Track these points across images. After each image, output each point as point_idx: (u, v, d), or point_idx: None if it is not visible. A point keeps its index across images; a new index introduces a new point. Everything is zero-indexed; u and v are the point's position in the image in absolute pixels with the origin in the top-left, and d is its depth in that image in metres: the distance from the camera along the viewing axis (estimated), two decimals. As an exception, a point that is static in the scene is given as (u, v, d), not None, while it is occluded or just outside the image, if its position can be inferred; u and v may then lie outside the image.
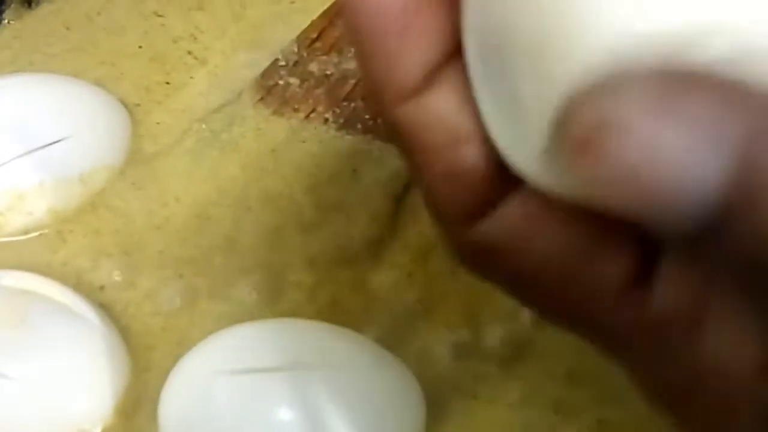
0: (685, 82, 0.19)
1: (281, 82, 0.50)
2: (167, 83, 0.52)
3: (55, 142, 0.45)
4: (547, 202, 0.22)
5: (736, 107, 0.18)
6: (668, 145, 0.18)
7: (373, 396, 0.39)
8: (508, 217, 0.23)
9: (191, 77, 0.52)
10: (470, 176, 0.23)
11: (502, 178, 0.23)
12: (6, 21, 0.54)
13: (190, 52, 0.54)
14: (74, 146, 0.45)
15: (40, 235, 0.45)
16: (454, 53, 0.23)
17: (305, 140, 0.49)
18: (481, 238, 0.23)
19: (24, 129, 0.45)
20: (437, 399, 0.41)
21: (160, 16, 0.55)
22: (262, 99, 0.50)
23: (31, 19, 0.54)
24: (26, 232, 0.45)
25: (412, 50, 0.22)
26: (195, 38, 0.54)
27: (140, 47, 0.53)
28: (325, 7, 0.52)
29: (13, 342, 0.39)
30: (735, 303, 0.20)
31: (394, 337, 0.42)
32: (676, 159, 0.18)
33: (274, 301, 0.44)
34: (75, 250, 0.45)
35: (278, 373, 0.38)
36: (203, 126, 0.49)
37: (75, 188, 0.45)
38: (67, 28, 0.54)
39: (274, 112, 0.49)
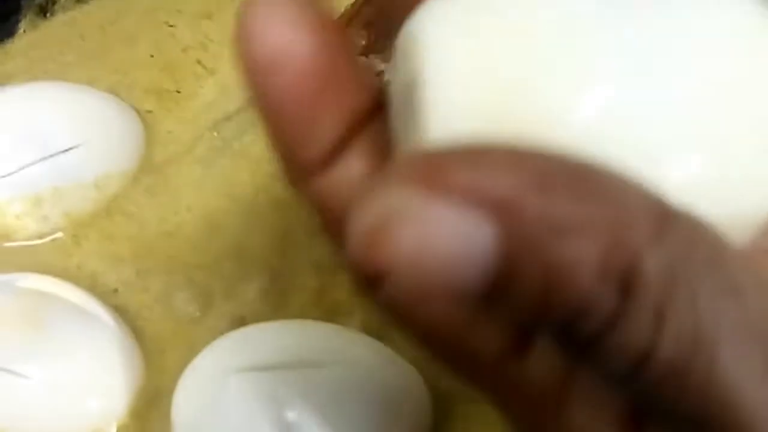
0: (443, 163, 0.19)
1: (291, 91, 0.51)
2: (178, 92, 0.53)
3: (70, 149, 0.46)
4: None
5: (504, 171, 0.18)
6: (436, 225, 0.18)
7: (382, 395, 0.39)
8: None
9: (201, 87, 0.53)
10: None
11: None
12: (22, 30, 0.55)
13: (199, 62, 0.54)
14: (89, 153, 0.46)
15: (55, 239, 0.46)
16: (365, 118, 0.23)
17: (314, 147, 0.50)
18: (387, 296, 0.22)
19: (40, 136, 0.46)
20: (440, 403, 0.41)
21: (171, 26, 0.56)
22: (272, 107, 0.51)
23: (47, 29, 0.55)
24: (41, 237, 0.46)
25: (318, 126, 0.22)
26: (204, 47, 0.55)
27: (151, 56, 0.54)
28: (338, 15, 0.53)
29: (31, 343, 0.40)
30: (592, 380, 0.21)
31: (397, 342, 0.43)
32: (444, 238, 0.18)
33: (281, 305, 0.45)
34: (89, 254, 0.46)
35: (288, 371, 0.39)
36: (215, 134, 0.50)
37: (90, 194, 0.46)
38: (82, 38, 0.55)
39: (284, 121, 0.50)
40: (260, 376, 0.39)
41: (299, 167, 0.23)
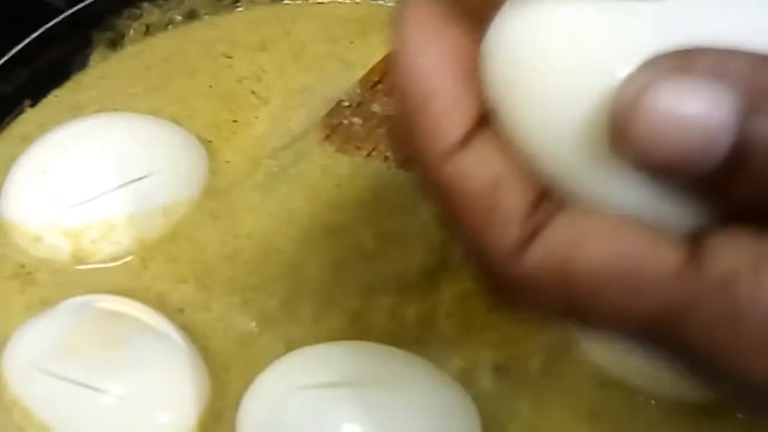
0: (687, 55, 0.23)
1: (345, 122, 0.53)
2: (234, 121, 0.55)
3: (143, 177, 0.48)
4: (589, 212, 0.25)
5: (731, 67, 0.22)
6: (685, 94, 0.22)
7: (434, 415, 0.42)
8: (557, 236, 0.25)
9: (255, 116, 0.56)
10: (513, 213, 0.25)
11: (539, 210, 0.25)
12: (93, 63, 0.57)
13: (253, 92, 0.57)
14: (159, 180, 0.49)
15: (126, 262, 0.49)
16: (484, 117, 0.26)
17: (367, 176, 0.52)
18: (532, 265, 0.25)
19: (115, 164, 0.49)
20: (488, 421, 0.43)
21: (228, 57, 0.58)
22: (327, 137, 0.53)
23: (116, 61, 0.58)
24: (114, 260, 0.48)
25: (453, 114, 0.26)
26: (259, 78, 0.58)
27: (210, 87, 0.57)
28: (386, 52, 0.55)
29: (110, 361, 0.42)
30: None
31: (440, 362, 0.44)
32: (688, 116, 0.22)
33: (321, 323, 0.47)
34: (156, 276, 0.48)
35: (347, 389, 0.41)
36: (272, 162, 0.52)
37: (158, 219, 0.49)
38: (147, 69, 0.57)
39: (339, 150, 0.52)
40: (320, 394, 0.41)
41: (435, 152, 0.26)
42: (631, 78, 0.23)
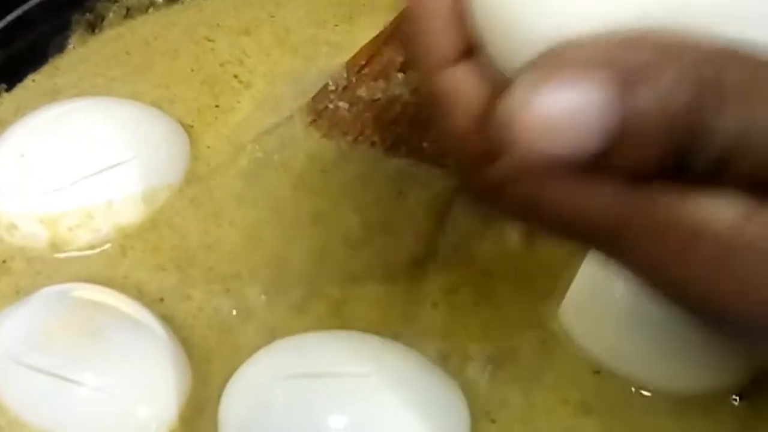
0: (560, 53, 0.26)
1: (331, 106, 0.52)
2: (216, 106, 0.54)
3: (122, 163, 0.47)
4: None
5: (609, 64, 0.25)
6: (564, 103, 0.25)
7: (422, 404, 0.41)
8: None
9: (238, 101, 0.55)
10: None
11: None
12: (71, 46, 0.56)
13: (236, 76, 0.56)
14: (139, 166, 0.48)
15: (104, 250, 0.48)
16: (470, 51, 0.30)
17: (354, 162, 0.51)
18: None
19: (93, 150, 0.48)
20: (474, 409, 0.43)
21: (210, 40, 0.57)
22: (313, 122, 0.52)
23: (95, 44, 0.57)
24: (92, 248, 0.47)
25: (451, 34, 0.30)
26: (241, 62, 0.57)
27: (192, 70, 0.56)
28: (373, 35, 0.55)
29: (87, 351, 0.41)
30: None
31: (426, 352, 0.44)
32: (571, 111, 0.25)
33: (304, 313, 0.46)
34: (135, 264, 0.47)
35: (332, 379, 0.40)
36: (257, 147, 0.51)
37: (138, 206, 0.48)
38: (127, 53, 0.56)
39: (324, 135, 0.51)
40: (305, 384, 0.40)
41: (432, 63, 0.30)
42: (513, 88, 0.26)
